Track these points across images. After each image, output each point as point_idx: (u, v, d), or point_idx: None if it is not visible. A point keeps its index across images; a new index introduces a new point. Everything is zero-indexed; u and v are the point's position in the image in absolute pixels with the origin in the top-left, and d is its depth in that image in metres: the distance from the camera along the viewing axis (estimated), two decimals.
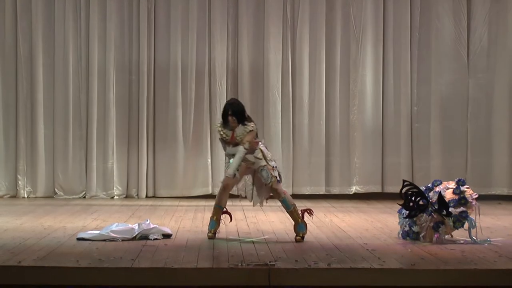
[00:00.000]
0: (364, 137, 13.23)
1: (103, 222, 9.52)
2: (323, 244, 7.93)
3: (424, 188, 8.38)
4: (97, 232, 8.18)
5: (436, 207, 8.14)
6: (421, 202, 8.20)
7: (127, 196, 13.10)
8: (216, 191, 13.05)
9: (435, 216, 8.15)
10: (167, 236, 8.22)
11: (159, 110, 13.20)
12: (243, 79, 13.21)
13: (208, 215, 10.63)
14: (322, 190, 13.15)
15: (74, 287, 6.40)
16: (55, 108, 13.08)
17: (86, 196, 13.03)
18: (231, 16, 13.25)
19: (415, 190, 8.24)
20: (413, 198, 8.21)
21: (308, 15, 13.22)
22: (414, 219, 8.22)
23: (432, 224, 8.14)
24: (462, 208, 8.14)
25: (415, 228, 8.24)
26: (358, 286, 6.43)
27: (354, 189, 13.16)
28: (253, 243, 7.95)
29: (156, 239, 8.04)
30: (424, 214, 8.19)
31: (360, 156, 13.23)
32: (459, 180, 8.38)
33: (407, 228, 8.31)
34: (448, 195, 8.22)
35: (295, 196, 12.90)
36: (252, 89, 13.22)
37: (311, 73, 13.23)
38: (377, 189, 13.23)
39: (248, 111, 13.02)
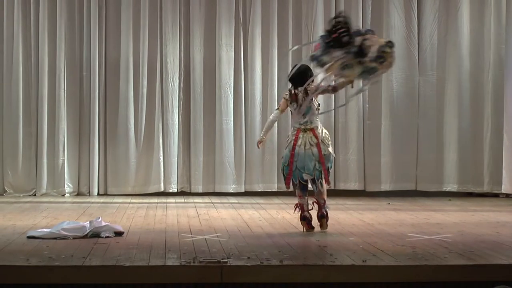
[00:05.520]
0: None
1: (53, 220, 9.43)
2: (275, 241, 7.95)
3: (355, 30, 8.20)
4: (48, 230, 8.10)
5: (354, 50, 7.97)
6: (344, 39, 8.00)
7: (78, 194, 12.99)
8: (168, 188, 13.10)
9: (348, 56, 7.99)
10: (118, 233, 8.17)
11: (110, 107, 13.11)
12: (195, 76, 13.17)
13: (160, 212, 10.62)
14: (274, 187, 13.16)
15: (24, 286, 6.33)
16: (4, 104, 12.92)
17: (36, 194, 12.88)
18: (183, 13, 13.20)
19: (345, 28, 8.05)
20: (339, 31, 8.04)
21: (260, 12, 13.22)
22: (329, 49, 8.05)
23: (341, 62, 8.00)
24: (374, 64, 8.04)
25: (325, 58, 8.06)
26: (310, 283, 6.46)
27: None
28: (206, 240, 7.94)
29: (107, 237, 7.98)
30: (340, 51, 8.01)
31: None
32: (389, 41, 8.25)
33: (318, 53, 8.13)
34: (373, 47, 8.04)
35: (248, 194, 12.95)
36: (204, 86, 13.19)
37: (264, 71, 13.24)
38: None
39: (200, 108, 13.18)
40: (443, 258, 6.95)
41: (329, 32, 8.12)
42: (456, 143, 13.29)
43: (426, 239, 8.10)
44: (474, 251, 7.30)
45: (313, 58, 8.24)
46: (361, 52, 7.98)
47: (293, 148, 8.68)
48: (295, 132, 8.78)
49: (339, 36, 8.03)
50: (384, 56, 8.09)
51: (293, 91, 8.81)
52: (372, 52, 8.03)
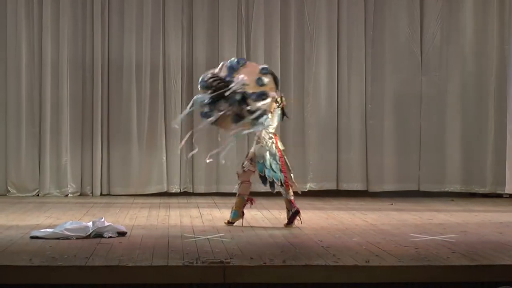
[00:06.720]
0: (318, 134, 13.28)
1: (56, 220, 9.44)
2: (278, 241, 7.95)
3: (228, 67, 8.60)
4: (51, 230, 8.10)
5: (237, 98, 8.32)
6: (220, 85, 8.44)
7: (81, 194, 12.99)
8: (171, 188, 13.11)
9: (234, 107, 8.36)
10: (121, 234, 8.17)
11: (113, 107, 13.11)
12: (198, 76, 13.08)
13: (162, 212, 10.63)
14: (277, 188, 13.13)
15: (27, 286, 6.34)
16: (8, 104, 12.92)
17: (39, 194, 12.89)
18: (186, 13, 13.20)
19: (217, 78, 8.48)
20: (213, 84, 8.49)
21: (263, 12, 13.22)
22: (214, 103, 8.39)
23: (232, 114, 8.38)
24: (261, 103, 8.36)
25: (214, 113, 8.41)
26: (313, 283, 6.45)
27: (308, 186, 13.20)
28: (208, 240, 7.94)
29: (110, 237, 7.98)
30: (226, 102, 8.39)
31: (314, 153, 13.27)
32: (263, 68, 8.66)
33: (206, 110, 8.45)
34: (251, 85, 8.42)
35: (251, 194, 12.93)
36: None
37: None
38: (331, 186, 13.28)
39: None
40: (446, 258, 6.94)
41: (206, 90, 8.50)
42: (459, 143, 13.28)
43: (429, 239, 8.10)
44: (477, 251, 7.29)
45: (202, 116, 8.57)
46: (243, 97, 8.36)
47: (281, 154, 9.04)
48: (273, 136, 9.06)
49: (215, 87, 8.42)
50: (265, 92, 8.46)
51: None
52: (252, 94, 8.39)
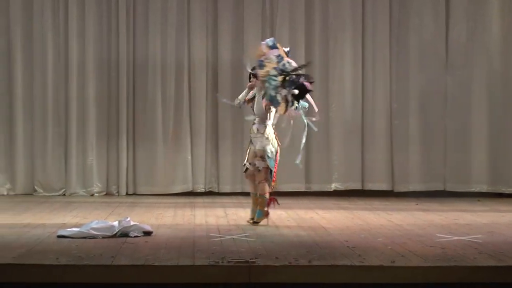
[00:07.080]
0: (343, 134, 13.24)
1: (83, 219, 9.49)
2: (304, 241, 7.94)
3: (271, 46, 9.17)
4: (77, 229, 8.16)
5: (297, 81, 8.93)
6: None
7: (107, 193, 13.04)
8: (197, 188, 13.13)
9: (290, 91, 8.87)
10: (147, 233, 8.20)
11: (138, 107, 13.15)
12: (222, 75, 13.18)
13: (188, 212, 10.65)
14: (302, 187, 13.14)
15: (54, 284, 6.38)
16: (34, 104, 13.00)
17: (65, 193, 12.96)
18: (210, 12, 13.21)
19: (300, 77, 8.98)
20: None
21: (287, 12, 13.21)
22: (279, 89, 8.86)
23: (291, 98, 8.84)
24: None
25: (278, 98, 8.85)
26: (338, 283, 6.45)
27: (334, 186, 13.17)
28: (234, 240, 7.95)
29: (136, 236, 8.02)
30: (286, 86, 8.89)
31: (339, 153, 13.23)
32: (288, 51, 9.29)
33: (273, 94, 8.87)
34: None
35: (275, 193, 12.92)
36: (232, 86, 13.17)
37: None
38: (357, 186, 13.24)
39: (228, 108, 13.17)
40: (473, 259, 6.91)
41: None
42: (486, 143, 13.18)
43: (456, 240, 8.06)
44: (504, 252, 7.25)
45: (270, 99, 8.96)
46: (304, 93, 8.95)
47: (278, 150, 9.25)
48: (274, 132, 9.30)
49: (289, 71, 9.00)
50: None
51: None
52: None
